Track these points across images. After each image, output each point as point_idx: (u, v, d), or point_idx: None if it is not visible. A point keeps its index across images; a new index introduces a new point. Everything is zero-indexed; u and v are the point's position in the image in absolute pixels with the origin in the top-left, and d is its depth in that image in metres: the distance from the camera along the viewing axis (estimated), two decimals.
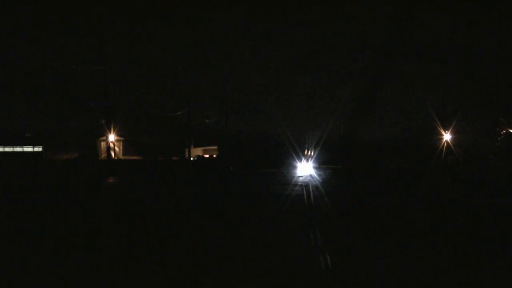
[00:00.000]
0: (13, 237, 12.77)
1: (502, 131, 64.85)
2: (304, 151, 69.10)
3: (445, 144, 65.73)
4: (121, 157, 74.26)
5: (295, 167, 63.34)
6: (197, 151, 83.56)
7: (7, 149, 68.56)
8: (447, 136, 66.04)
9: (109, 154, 60.84)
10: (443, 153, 65.64)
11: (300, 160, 65.67)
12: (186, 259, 10.24)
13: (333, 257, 10.20)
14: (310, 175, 48.42)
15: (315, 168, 67.41)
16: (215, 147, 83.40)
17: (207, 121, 76.26)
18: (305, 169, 61.94)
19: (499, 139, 65.77)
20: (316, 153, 72.82)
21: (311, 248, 11.36)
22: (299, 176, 48.21)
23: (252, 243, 11.90)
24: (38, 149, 67.90)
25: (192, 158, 74.03)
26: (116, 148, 71.89)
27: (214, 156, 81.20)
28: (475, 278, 9.11)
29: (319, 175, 48.19)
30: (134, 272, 9.22)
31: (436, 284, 8.77)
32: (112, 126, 58.49)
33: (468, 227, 14.61)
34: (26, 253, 10.89)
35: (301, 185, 32.18)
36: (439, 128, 65.89)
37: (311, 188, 29.12)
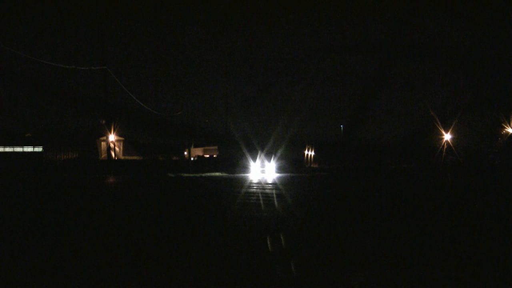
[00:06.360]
0: (13, 238, 12.79)
1: (502, 131, 64.89)
2: (266, 152, 68.91)
3: (445, 144, 65.74)
4: (121, 157, 74.39)
5: (256, 168, 64.27)
6: (197, 151, 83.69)
7: (7, 149, 68.59)
8: (447, 136, 66.04)
9: (109, 154, 60.85)
10: (443, 153, 65.67)
11: (255, 160, 66.59)
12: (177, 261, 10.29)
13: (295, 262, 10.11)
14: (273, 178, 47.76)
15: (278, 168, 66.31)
16: (215, 147, 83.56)
17: (207, 121, 76.39)
18: (264, 171, 63.09)
19: (499, 138, 65.82)
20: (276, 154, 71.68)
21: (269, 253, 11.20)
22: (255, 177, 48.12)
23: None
24: (38, 149, 67.89)
25: (192, 158, 74.16)
26: (116, 148, 71.98)
27: (214, 156, 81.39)
28: (474, 279, 9.13)
29: (278, 177, 47.55)
30: (134, 273, 9.25)
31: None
32: (112, 126, 58.46)
33: (468, 227, 14.62)
34: (26, 253, 10.91)
35: (256, 186, 31.95)
36: (439, 128, 65.89)
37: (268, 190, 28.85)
